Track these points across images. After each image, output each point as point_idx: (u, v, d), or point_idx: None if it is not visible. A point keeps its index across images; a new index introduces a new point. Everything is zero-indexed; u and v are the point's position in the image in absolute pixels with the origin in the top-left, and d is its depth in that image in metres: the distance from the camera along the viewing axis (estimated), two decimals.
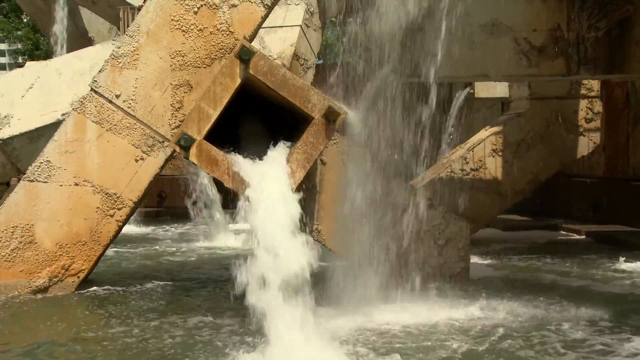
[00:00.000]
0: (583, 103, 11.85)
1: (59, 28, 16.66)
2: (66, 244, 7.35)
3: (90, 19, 17.81)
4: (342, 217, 7.11)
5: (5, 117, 10.93)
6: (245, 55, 6.29)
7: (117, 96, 7.34)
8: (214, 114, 6.28)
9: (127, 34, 7.42)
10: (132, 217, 9.29)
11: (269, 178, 5.84)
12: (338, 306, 6.40)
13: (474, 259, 8.75)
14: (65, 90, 10.96)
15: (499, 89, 13.59)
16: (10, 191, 8.06)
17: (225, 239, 12.09)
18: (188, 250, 10.97)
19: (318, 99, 6.27)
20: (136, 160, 7.37)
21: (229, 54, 7.06)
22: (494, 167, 11.57)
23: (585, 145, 11.85)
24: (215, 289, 7.69)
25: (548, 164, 11.70)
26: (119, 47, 7.38)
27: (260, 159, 6.05)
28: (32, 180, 7.34)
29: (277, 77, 6.30)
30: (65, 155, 7.36)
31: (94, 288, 7.50)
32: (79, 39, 17.12)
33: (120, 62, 7.34)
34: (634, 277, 8.39)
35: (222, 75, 6.35)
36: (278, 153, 6.10)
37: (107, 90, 7.35)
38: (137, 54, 7.31)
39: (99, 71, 7.41)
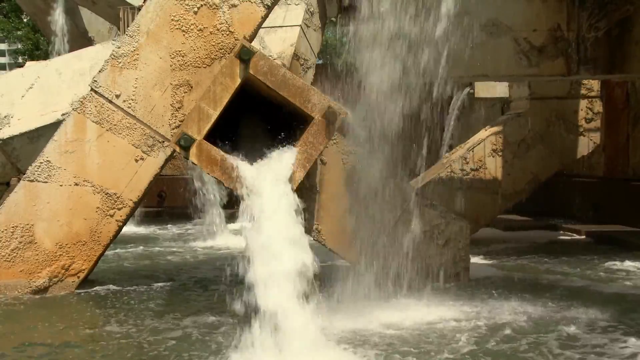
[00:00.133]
0: (583, 103, 11.85)
1: (59, 28, 16.67)
2: (66, 244, 7.35)
3: (90, 19, 17.81)
4: (342, 216, 7.12)
5: (5, 117, 10.92)
6: (245, 55, 6.30)
7: (117, 96, 7.34)
8: (214, 114, 6.28)
9: (127, 34, 7.42)
10: (131, 217, 9.29)
11: (269, 178, 5.84)
12: (338, 306, 6.40)
13: (474, 259, 8.75)
14: (65, 90, 10.96)
15: (499, 89, 13.60)
16: (10, 191, 8.06)
17: (225, 239, 12.09)
18: (188, 250, 10.96)
19: (318, 99, 6.27)
20: (136, 160, 7.37)
21: (229, 54, 7.06)
22: (494, 167, 11.57)
23: (585, 145, 11.85)
24: (215, 289, 7.68)
25: (548, 164, 11.71)
26: (119, 47, 7.38)
27: (260, 159, 6.05)
28: (32, 180, 7.34)
29: (277, 77, 6.30)
30: (65, 155, 7.37)
31: (94, 288, 7.50)
32: (79, 39, 17.12)
33: (120, 62, 7.34)
34: (634, 277, 8.39)
35: (222, 75, 6.35)
36: (278, 153, 6.10)
37: (107, 90, 7.35)
38: (137, 54, 7.32)
39: (99, 71, 7.41)
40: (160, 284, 7.83)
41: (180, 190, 14.56)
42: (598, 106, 11.89)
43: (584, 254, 10.18)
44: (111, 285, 7.66)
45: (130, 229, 13.14)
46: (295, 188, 5.95)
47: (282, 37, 12.81)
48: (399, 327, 5.97)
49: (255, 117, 6.90)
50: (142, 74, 7.33)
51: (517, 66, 8.92)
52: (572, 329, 5.83)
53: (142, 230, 13.87)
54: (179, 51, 7.27)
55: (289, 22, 12.92)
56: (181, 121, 7.11)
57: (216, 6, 7.24)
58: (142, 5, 8.53)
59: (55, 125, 8.79)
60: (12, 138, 10.84)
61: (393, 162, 7.37)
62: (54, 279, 7.33)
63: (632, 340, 5.51)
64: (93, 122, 7.36)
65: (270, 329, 5.09)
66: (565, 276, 8.56)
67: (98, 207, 7.38)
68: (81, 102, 7.45)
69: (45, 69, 11.54)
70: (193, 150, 6.21)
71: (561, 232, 13.00)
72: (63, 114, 10.14)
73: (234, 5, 7.25)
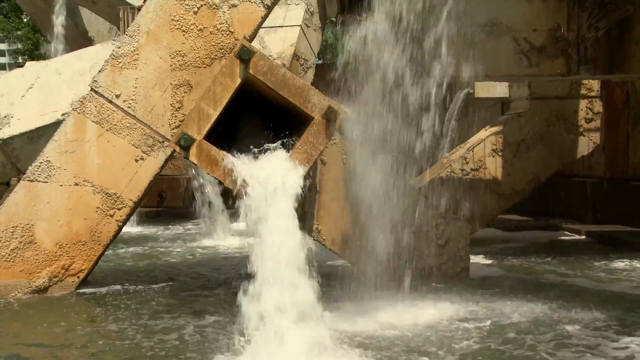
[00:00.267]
0: (583, 103, 11.85)
1: (58, 28, 16.67)
2: (66, 244, 7.35)
3: (90, 19, 17.81)
4: (342, 216, 7.12)
5: (5, 117, 10.92)
6: (245, 55, 6.29)
7: (117, 96, 7.34)
8: (214, 114, 6.28)
9: (127, 34, 7.42)
10: (131, 217, 9.29)
11: (269, 178, 5.84)
12: (338, 307, 6.40)
13: (474, 259, 8.75)
14: (65, 90, 10.96)
15: (499, 89, 13.58)
16: (10, 191, 8.06)
17: (225, 239, 12.09)
18: (188, 251, 10.97)
19: (318, 99, 6.27)
20: (136, 160, 7.37)
21: (229, 54, 7.06)
22: (494, 167, 11.57)
23: (585, 145, 11.84)
24: (214, 290, 7.69)
25: (548, 164, 11.70)
26: (119, 47, 7.38)
27: (260, 159, 6.04)
28: (32, 180, 7.34)
29: (277, 77, 6.30)
30: (65, 155, 7.37)
31: (93, 288, 7.50)
32: (79, 39, 17.11)
33: (120, 62, 7.34)
34: (634, 277, 8.39)
35: (222, 75, 6.35)
36: (278, 153, 6.10)
37: (107, 90, 7.35)
38: (137, 54, 7.32)
39: (99, 71, 7.41)
40: (159, 284, 7.84)
41: (180, 190, 14.57)
42: (598, 106, 11.89)
43: (584, 254, 10.18)
44: (110, 286, 7.67)
45: (130, 229, 13.14)
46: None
47: (282, 37, 12.82)
48: (399, 327, 5.97)
49: (256, 117, 6.90)
50: (142, 74, 7.33)
51: (517, 66, 8.92)
52: (570, 329, 5.83)
53: (142, 230, 13.86)
54: (179, 51, 7.27)
55: (289, 22, 12.93)
56: (181, 121, 7.12)
57: (216, 6, 7.24)
58: (142, 5, 8.54)
59: (55, 125, 8.79)
60: (12, 138, 10.84)
61: (393, 162, 7.37)
62: (54, 279, 7.33)
63: (630, 340, 5.52)
64: (93, 122, 7.37)
65: (270, 329, 5.09)
66: (565, 276, 8.56)
67: (98, 207, 7.38)
68: (81, 102, 7.45)
69: (45, 69, 11.54)
70: (193, 150, 6.20)
71: (561, 232, 13.01)
72: (63, 114, 10.14)
73: (234, 5, 7.25)
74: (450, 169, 11.51)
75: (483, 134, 11.86)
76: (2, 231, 7.26)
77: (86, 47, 13.59)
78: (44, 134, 10.23)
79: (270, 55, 11.69)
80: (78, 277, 7.40)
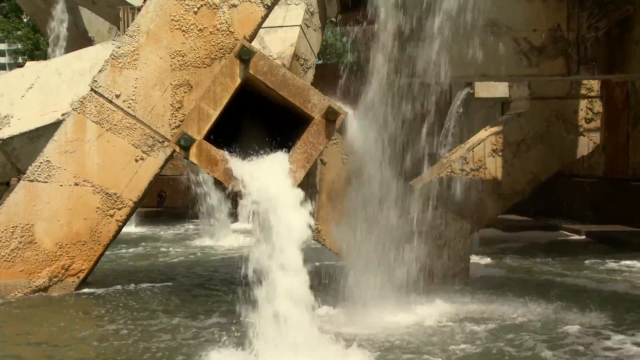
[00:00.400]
0: (583, 103, 11.85)
1: (58, 28, 16.66)
2: (66, 244, 7.35)
3: (90, 19, 17.80)
4: (342, 217, 7.11)
5: (5, 117, 10.92)
6: (245, 55, 6.29)
7: (117, 96, 7.34)
8: (214, 114, 6.28)
9: (127, 34, 7.42)
10: (131, 217, 9.28)
11: (269, 179, 5.84)
12: (338, 307, 6.40)
13: (474, 259, 8.75)
14: (65, 90, 10.96)
15: (499, 89, 13.58)
16: (10, 191, 8.06)
17: (225, 239, 12.09)
18: (187, 251, 10.97)
19: (318, 99, 6.27)
20: (136, 160, 7.37)
21: (229, 54, 7.06)
22: (494, 167, 11.57)
23: (585, 145, 11.84)
24: (214, 290, 7.69)
25: (548, 164, 11.70)
26: (119, 47, 7.38)
27: (260, 159, 6.04)
28: (32, 180, 7.34)
29: (277, 77, 6.30)
30: (65, 155, 7.37)
31: (92, 289, 7.50)
32: (79, 39, 17.11)
33: (120, 62, 7.34)
34: (634, 277, 8.40)
35: (222, 75, 6.35)
36: (278, 153, 6.10)
37: (107, 90, 7.35)
38: (137, 54, 7.32)
39: (99, 71, 7.41)
40: (159, 285, 7.83)
41: (180, 191, 14.57)
42: (598, 106, 11.89)
43: (584, 254, 10.19)
44: (110, 286, 7.66)
45: (130, 229, 13.14)
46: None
47: (282, 37, 12.81)
48: (399, 328, 5.97)
49: (256, 117, 6.89)
50: (142, 74, 7.33)
51: (517, 66, 8.92)
52: (570, 330, 5.83)
53: (142, 230, 13.87)
54: (179, 51, 7.27)
55: (289, 22, 12.92)
56: (181, 121, 7.12)
57: (216, 6, 7.24)
58: (142, 6, 8.53)
59: (55, 125, 8.79)
60: (12, 138, 10.84)
61: (393, 162, 7.37)
62: (54, 279, 7.33)
63: (630, 340, 5.52)
64: (93, 122, 7.36)
65: (269, 329, 5.09)
66: (565, 276, 8.56)
67: (98, 207, 7.38)
68: (81, 102, 7.45)
69: (45, 69, 11.54)
70: (193, 150, 6.20)
71: (561, 232, 13.01)
72: (63, 114, 10.14)
73: (234, 5, 7.25)
74: (450, 169, 11.52)
75: (483, 134, 11.86)
76: (2, 231, 7.26)
77: (86, 47, 13.59)
78: (44, 134, 10.23)
79: (270, 55, 11.69)
80: (78, 277, 7.39)
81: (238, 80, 6.32)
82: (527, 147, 11.57)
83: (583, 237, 12.28)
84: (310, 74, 13.40)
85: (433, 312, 6.45)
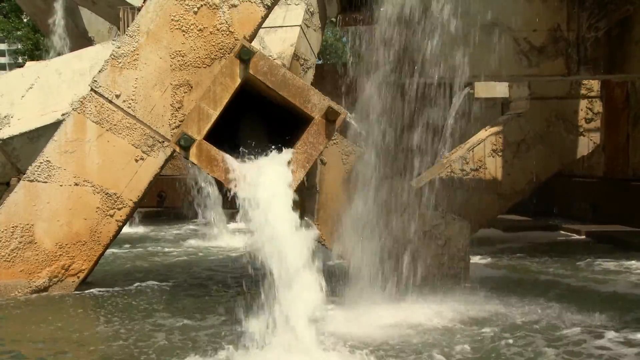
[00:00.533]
0: (583, 103, 11.85)
1: (58, 28, 16.67)
2: (66, 244, 7.35)
3: (90, 19, 17.80)
4: (342, 217, 7.11)
5: (5, 117, 10.92)
6: (245, 55, 6.30)
7: (117, 96, 7.34)
8: (214, 114, 6.28)
9: (127, 34, 7.42)
10: (131, 217, 9.28)
11: (269, 179, 5.84)
12: (338, 307, 6.40)
13: (474, 259, 8.75)
14: (65, 90, 10.96)
15: (499, 89, 13.59)
16: (10, 191, 8.06)
17: (225, 239, 12.09)
18: (187, 251, 10.96)
19: (318, 99, 6.27)
20: (136, 160, 7.37)
21: (229, 54, 7.06)
22: (494, 167, 11.57)
23: (585, 145, 11.85)
24: (214, 290, 7.69)
25: (548, 164, 11.71)
26: (119, 47, 7.38)
27: (260, 159, 6.04)
28: (32, 180, 7.34)
29: (277, 77, 6.30)
30: (65, 155, 7.37)
31: (91, 289, 7.49)
32: (79, 39, 17.11)
33: (120, 62, 7.34)
34: (633, 277, 8.39)
35: (222, 75, 6.35)
36: (278, 153, 6.10)
37: (107, 90, 7.35)
38: (137, 54, 7.31)
39: (99, 71, 7.41)
40: (158, 285, 7.83)
41: (180, 191, 14.57)
42: (598, 106, 11.90)
43: (584, 254, 10.18)
44: (110, 286, 7.65)
45: (130, 229, 13.14)
46: (295, 188, 5.95)
47: (282, 37, 12.80)
48: (398, 328, 5.97)
49: (256, 117, 6.90)
50: (142, 74, 7.33)
51: (517, 66, 8.92)
52: (569, 330, 5.83)
53: (141, 230, 13.87)
54: (179, 51, 7.27)
55: (289, 22, 12.91)
56: (181, 121, 7.12)
57: (216, 6, 7.24)
58: (142, 5, 8.53)
59: (55, 125, 8.79)
60: (12, 138, 10.84)
61: (393, 162, 7.37)
62: (54, 279, 7.33)
63: (629, 339, 5.52)
64: (93, 122, 7.36)
65: (269, 329, 5.09)
66: (565, 276, 8.56)
67: (98, 207, 7.38)
68: (81, 102, 7.45)
69: (45, 69, 11.54)
70: (193, 150, 6.21)
71: (561, 232, 13.01)
72: (63, 114, 10.14)
73: (234, 5, 7.25)
74: (450, 169, 11.52)
75: (483, 134, 11.86)
76: (2, 231, 7.26)
77: (86, 47, 13.59)
78: (44, 134, 10.23)
79: (270, 55, 11.68)
80: (78, 277, 7.39)
81: (238, 80, 6.32)
82: (527, 147, 11.57)
83: (583, 237, 12.28)
84: (310, 74, 13.39)
85: (432, 312, 6.45)
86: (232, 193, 5.99)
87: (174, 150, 6.59)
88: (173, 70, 7.30)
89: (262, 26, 8.03)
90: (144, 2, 8.33)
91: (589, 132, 11.83)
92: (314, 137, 6.24)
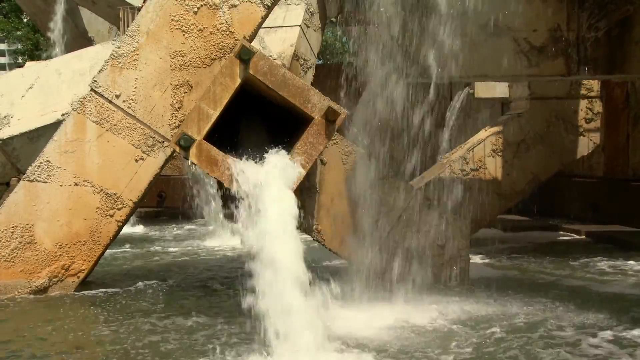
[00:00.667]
0: (583, 103, 11.85)
1: (58, 28, 16.67)
2: (66, 244, 7.35)
3: (90, 19, 17.80)
4: (342, 217, 7.12)
5: (5, 117, 10.92)
6: (245, 55, 6.30)
7: (117, 96, 7.34)
8: (214, 114, 6.29)
9: (127, 34, 7.42)
10: (131, 217, 9.28)
11: (269, 179, 5.84)
12: (338, 307, 6.40)
13: (474, 259, 8.75)
14: (65, 90, 10.96)
15: (499, 89, 13.59)
16: (10, 191, 8.06)
17: (225, 239, 12.09)
18: (186, 251, 10.96)
19: (318, 99, 6.28)
20: (136, 160, 7.37)
21: (229, 54, 7.06)
22: (494, 167, 11.57)
23: (585, 145, 11.85)
24: (214, 290, 7.69)
25: (548, 164, 11.71)
26: (119, 47, 7.38)
27: (260, 159, 6.05)
28: (32, 180, 7.34)
29: (277, 77, 6.30)
30: (65, 155, 7.37)
31: (91, 289, 7.49)
32: (79, 39, 17.11)
33: (120, 62, 7.34)
34: (633, 277, 8.39)
35: (222, 75, 6.36)
36: (278, 153, 6.10)
37: (107, 90, 7.35)
38: (137, 54, 7.32)
39: (99, 71, 7.41)
40: (157, 285, 7.82)
41: (180, 191, 14.57)
42: (598, 106, 11.89)
43: (584, 254, 10.18)
44: (109, 287, 7.65)
45: (129, 229, 13.14)
46: (295, 188, 5.95)
47: (282, 37, 12.80)
48: (398, 328, 5.97)
49: (256, 117, 6.90)
50: (142, 74, 7.33)
51: (517, 66, 8.92)
52: (569, 330, 5.84)
53: (141, 230, 13.87)
54: (179, 51, 7.27)
55: (289, 22, 12.91)
56: (181, 121, 7.12)
57: (216, 6, 7.24)
58: (142, 6, 8.53)
59: (55, 125, 8.79)
60: (12, 138, 10.83)
61: (393, 162, 7.38)
62: (54, 279, 7.33)
63: (629, 339, 5.52)
64: (93, 122, 7.37)
65: (268, 329, 5.09)
66: (565, 276, 8.56)
67: (98, 207, 7.38)
68: (81, 102, 7.45)
69: (45, 69, 11.54)
70: (193, 150, 6.21)
71: (561, 232, 13.01)
72: (63, 114, 10.14)
73: (234, 6, 7.25)
74: (450, 169, 11.52)
75: (483, 134, 11.86)
76: (2, 231, 7.26)
77: (86, 47, 13.59)
78: (44, 134, 10.23)
79: (270, 56, 11.68)
80: (78, 277, 7.39)
81: (238, 81, 6.33)
82: (527, 147, 11.57)
83: (583, 237, 12.28)
84: (310, 74, 13.39)
85: (432, 312, 6.45)
86: (231, 193, 5.99)
87: (174, 150, 6.59)
88: (173, 70, 7.30)
89: (262, 26, 8.04)
90: (144, 2, 8.33)
91: (589, 132, 11.83)
92: (314, 137, 6.24)
